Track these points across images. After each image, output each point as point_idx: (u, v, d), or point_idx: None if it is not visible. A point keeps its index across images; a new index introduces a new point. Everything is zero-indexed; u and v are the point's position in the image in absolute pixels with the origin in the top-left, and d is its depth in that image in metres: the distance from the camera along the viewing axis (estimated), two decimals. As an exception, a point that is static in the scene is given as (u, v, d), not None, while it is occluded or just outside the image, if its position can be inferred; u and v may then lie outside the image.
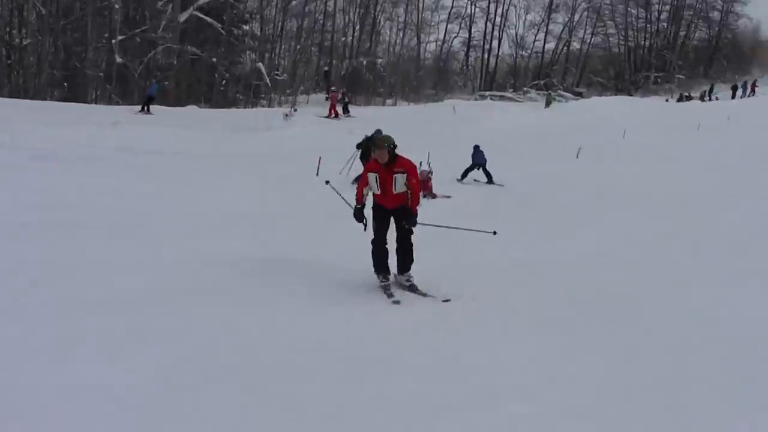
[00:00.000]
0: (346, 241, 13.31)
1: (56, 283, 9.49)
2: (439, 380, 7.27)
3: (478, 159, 29.28)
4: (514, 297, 10.94)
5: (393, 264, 11.26)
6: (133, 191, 18.46)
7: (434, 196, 24.01)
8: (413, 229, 11.03)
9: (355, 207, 11.17)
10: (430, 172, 24.66)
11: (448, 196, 24.28)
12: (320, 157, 25.64)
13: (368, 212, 11.14)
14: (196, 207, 17.41)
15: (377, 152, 10.87)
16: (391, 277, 11.31)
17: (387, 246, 11.17)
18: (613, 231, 18.04)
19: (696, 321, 9.66)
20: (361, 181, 11.48)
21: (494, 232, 12.49)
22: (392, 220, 11.19)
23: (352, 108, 54.11)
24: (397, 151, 10.84)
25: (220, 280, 10.57)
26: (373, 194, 11.15)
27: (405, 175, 10.84)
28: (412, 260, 11.25)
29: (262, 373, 7.10)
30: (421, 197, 11.23)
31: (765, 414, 6.59)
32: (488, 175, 28.56)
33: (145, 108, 43.00)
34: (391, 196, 10.93)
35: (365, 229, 11.03)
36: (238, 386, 6.74)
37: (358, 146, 25.76)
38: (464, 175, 28.86)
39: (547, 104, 65.56)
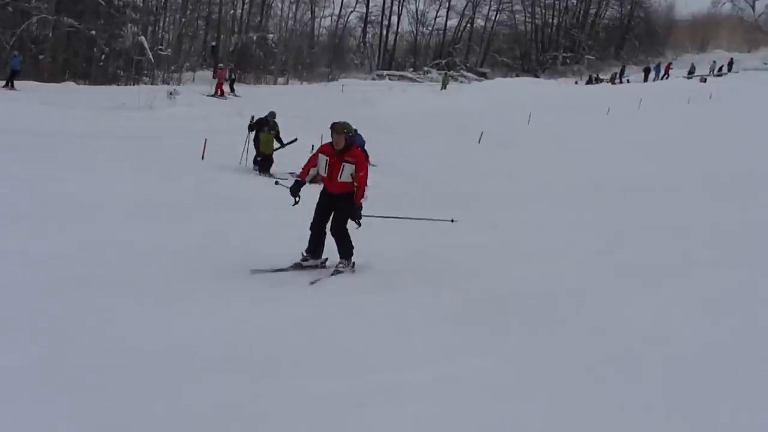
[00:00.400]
0: (236, 228, 14.46)
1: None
2: (336, 376, 7.38)
3: (357, 140, 29.84)
4: (415, 289, 11.13)
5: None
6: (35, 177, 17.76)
7: (326, 181, 24.14)
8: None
9: (295, 180, 11.87)
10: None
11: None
12: (206, 140, 25.44)
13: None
14: (69, 192, 16.72)
15: (335, 137, 11.45)
16: (314, 261, 11.94)
17: (324, 230, 11.83)
18: (518, 221, 18.41)
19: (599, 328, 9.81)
20: (309, 160, 11.97)
21: (452, 220, 13.33)
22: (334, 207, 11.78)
23: (239, 87, 54.06)
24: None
25: (113, 270, 10.55)
26: (320, 176, 11.78)
27: (353, 166, 11.49)
28: (349, 247, 11.85)
29: (144, 371, 7.02)
30: (364, 194, 11.65)
31: (649, 413, 6.88)
32: (366, 156, 29.32)
33: (10, 83, 41.99)
34: (336, 182, 11.54)
35: (294, 204, 11.58)
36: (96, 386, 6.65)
37: (250, 128, 25.89)
38: None
39: (444, 85, 65.82)
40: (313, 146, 26.33)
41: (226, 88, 49.35)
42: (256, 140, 25.77)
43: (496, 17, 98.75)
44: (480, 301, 10.70)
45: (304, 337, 8.59)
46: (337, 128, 11.47)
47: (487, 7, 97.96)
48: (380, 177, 25.64)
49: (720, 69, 78.14)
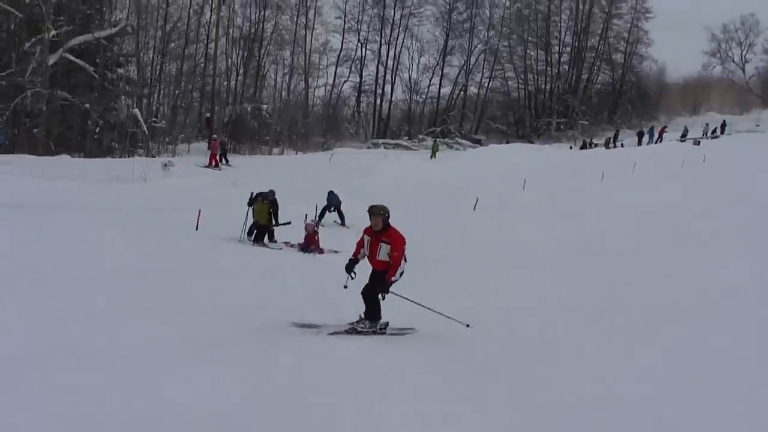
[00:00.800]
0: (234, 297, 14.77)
1: None
2: None
3: (332, 200, 32.39)
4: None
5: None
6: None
7: (321, 251, 24.54)
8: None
9: (350, 259, 13.28)
10: (317, 226, 25.02)
11: (336, 251, 24.47)
12: (200, 210, 25.48)
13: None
14: (56, 263, 16.62)
15: (373, 219, 12.83)
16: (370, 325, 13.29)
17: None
18: (519, 290, 18.48)
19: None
20: (359, 240, 13.38)
21: (467, 325, 13.32)
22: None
23: (234, 157, 54.22)
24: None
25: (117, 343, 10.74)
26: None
27: (389, 246, 12.78)
28: (374, 314, 13.20)
29: None
30: (397, 273, 12.88)
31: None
32: (341, 216, 32.13)
33: None
34: (375, 260, 12.99)
35: (348, 279, 12.92)
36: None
37: (250, 203, 26.24)
38: (320, 216, 31.25)
39: (433, 153, 66.14)
40: (306, 215, 26.50)
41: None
42: (255, 214, 26.04)
43: (489, 84, 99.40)
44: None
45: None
46: (375, 211, 12.83)
47: (480, 75, 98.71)
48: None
49: (714, 131, 78.30)
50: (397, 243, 12.77)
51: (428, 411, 9.05)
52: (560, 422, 8.96)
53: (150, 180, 38.30)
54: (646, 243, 26.03)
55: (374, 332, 13.24)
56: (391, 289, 12.92)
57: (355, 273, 13.00)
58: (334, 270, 20.05)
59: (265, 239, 25.88)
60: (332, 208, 32.31)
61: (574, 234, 28.10)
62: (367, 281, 13.25)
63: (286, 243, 25.92)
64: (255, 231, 25.86)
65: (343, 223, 32.02)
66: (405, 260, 13.02)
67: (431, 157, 64.41)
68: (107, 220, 24.87)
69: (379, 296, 12.99)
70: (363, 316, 13.34)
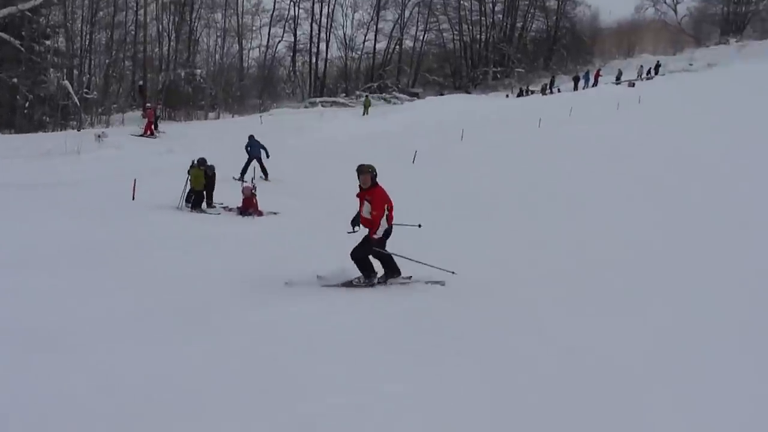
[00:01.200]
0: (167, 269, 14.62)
1: None
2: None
3: (254, 152, 32.38)
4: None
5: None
6: None
7: (260, 214, 24.25)
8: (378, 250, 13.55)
9: (357, 213, 13.74)
10: (254, 188, 24.71)
11: (275, 213, 24.39)
12: (135, 180, 25.23)
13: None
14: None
15: (361, 177, 13.29)
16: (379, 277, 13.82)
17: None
18: (462, 242, 18.63)
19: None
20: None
21: (452, 272, 13.86)
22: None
23: (169, 124, 53.76)
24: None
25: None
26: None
27: (369, 204, 13.19)
28: (360, 268, 13.62)
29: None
30: (379, 231, 13.30)
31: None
32: (264, 170, 32.06)
33: None
34: (363, 217, 13.50)
35: (350, 232, 13.78)
36: None
37: (189, 172, 25.81)
38: (243, 172, 31.44)
39: (365, 109, 65.85)
40: (244, 180, 26.18)
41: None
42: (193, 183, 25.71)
43: (424, 37, 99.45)
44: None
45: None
46: (363, 169, 13.29)
47: (415, 28, 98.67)
48: (296, 201, 26.30)
49: (648, 72, 78.85)
50: (377, 202, 13.09)
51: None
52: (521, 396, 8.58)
53: (84, 152, 37.84)
54: (593, 185, 26.19)
55: (371, 285, 13.59)
56: (377, 247, 13.46)
57: (359, 227, 13.64)
58: (276, 232, 20.62)
59: (203, 205, 25.61)
60: (253, 160, 32.30)
61: (513, 181, 28.10)
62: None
63: (224, 207, 25.69)
64: (193, 197, 25.47)
65: (266, 177, 31.89)
66: (391, 219, 13.42)
67: (363, 114, 64.05)
68: (40, 195, 24.74)
69: (369, 256, 13.54)
70: (359, 279, 13.69)
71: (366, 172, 13.17)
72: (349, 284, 13.58)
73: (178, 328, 10.54)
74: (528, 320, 11.35)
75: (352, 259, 13.51)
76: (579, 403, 8.06)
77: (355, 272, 13.71)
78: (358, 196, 13.45)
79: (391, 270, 13.70)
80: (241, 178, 30.44)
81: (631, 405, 8.07)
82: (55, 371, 8.52)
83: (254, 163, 31.96)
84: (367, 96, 74.83)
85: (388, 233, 13.47)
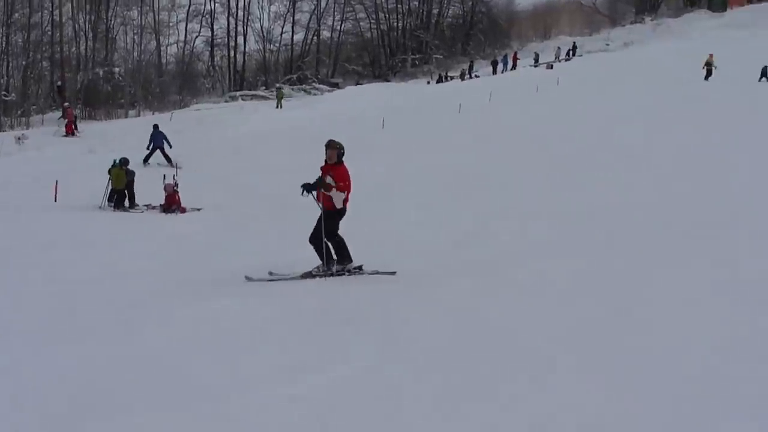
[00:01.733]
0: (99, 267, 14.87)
1: None
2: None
3: (157, 141, 34.47)
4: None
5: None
6: None
7: (183, 210, 24.41)
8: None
9: (310, 183, 13.56)
10: (176, 185, 25.01)
11: (199, 209, 24.54)
12: (57, 181, 25.26)
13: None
14: None
15: (328, 152, 13.50)
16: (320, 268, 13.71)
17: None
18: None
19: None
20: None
21: (394, 272, 13.75)
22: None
23: (90, 123, 53.70)
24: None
25: None
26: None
27: (332, 179, 13.24)
28: (318, 252, 13.64)
29: None
30: (340, 195, 13.37)
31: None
32: (167, 157, 33.92)
33: None
34: (322, 194, 13.42)
35: (301, 194, 13.55)
36: None
37: (110, 171, 25.75)
38: (146, 159, 33.69)
39: (278, 102, 65.21)
40: (165, 175, 26.32)
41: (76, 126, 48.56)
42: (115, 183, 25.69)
43: (341, 27, 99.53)
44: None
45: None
46: (331, 144, 13.52)
47: (332, 18, 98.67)
48: (219, 196, 26.40)
49: (567, 54, 79.69)
50: (341, 176, 13.29)
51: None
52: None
53: (3, 155, 37.81)
54: (514, 165, 26.89)
55: (331, 275, 13.57)
56: (332, 220, 13.55)
57: (308, 192, 13.51)
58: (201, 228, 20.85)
59: (126, 203, 25.58)
60: (156, 149, 34.31)
61: (435, 166, 28.42)
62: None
63: (147, 205, 25.69)
64: (115, 196, 25.50)
65: (169, 163, 33.33)
66: (346, 201, 13.51)
67: (277, 106, 63.60)
68: None
69: (325, 240, 13.51)
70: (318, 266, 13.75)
71: (333, 147, 13.43)
72: (308, 275, 13.54)
73: (97, 327, 10.56)
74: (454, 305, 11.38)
75: (312, 244, 13.60)
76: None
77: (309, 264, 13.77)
78: (321, 169, 13.53)
79: (342, 257, 13.67)
80: (144, 164, 32.57)
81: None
82: None
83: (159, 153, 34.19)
84: (279, 88, 74.49)
85: (342, 212, 13.55)
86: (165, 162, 33.33)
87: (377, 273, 13.69)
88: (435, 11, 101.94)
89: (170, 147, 34.50)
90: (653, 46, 70.65)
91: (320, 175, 13.48)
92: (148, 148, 34.54)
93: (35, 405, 7.59)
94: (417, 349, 9.06)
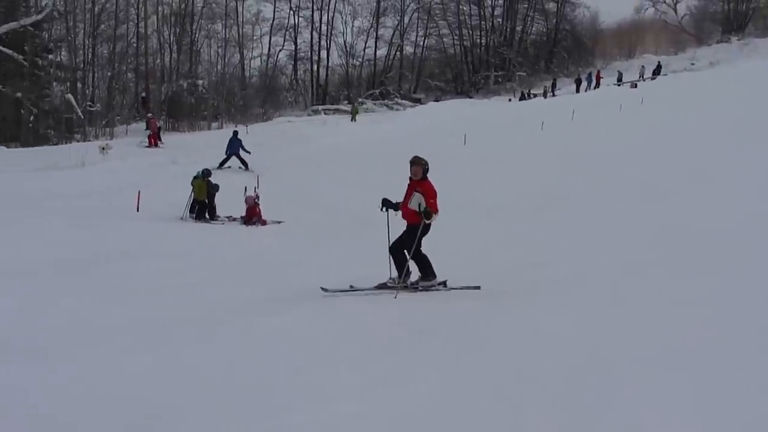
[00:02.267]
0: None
1: None
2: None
3: (234, 147, 35.76)
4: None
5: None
6: None
7: (264, 223, 24.38)
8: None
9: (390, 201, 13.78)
10: (257, 198, 25.08)
11: (280, 222, 24.50)
12: (139, 192, 25.43)
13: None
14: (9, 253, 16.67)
15: (413, 168, 13.43)
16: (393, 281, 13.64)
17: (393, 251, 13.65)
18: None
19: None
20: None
21: (478, 287, 13.54)
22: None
23: (173, 135, 54.06)
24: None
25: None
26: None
27: (422, 197, 13.14)
28: (400, 267, 13.57)
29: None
30: (436, 214, 13.16)
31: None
32: (243, 162, 35.36)
33: None
34: (406, 207, 13.43)
35: (381, 209, 13.71)
36: None
37: (192, 183, 26.01)
38: (221, 164, 34.76)
39: (353, 116, 65.42)
40: (246, 188, 26.33)
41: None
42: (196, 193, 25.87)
43: (424, 43, 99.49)
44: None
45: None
46: (416, 161, 13.45)
47: (415, 34, 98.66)
48: (299, 209, 26.31)
49: (652, 73, 78.71)
50: (430, 192, 13.16)
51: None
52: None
53: (88, 165, 37.83)
54: (595, 189, 26.11)
55: (405, 287, 13.50)
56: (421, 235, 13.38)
57: (386, 209, 13.68)
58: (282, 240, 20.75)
59: (207, 215, 25.79)
60: (232, 155, 35.50)
61: (517, 183, 28.21)
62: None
63: (228, 217, 25.82)
64: (197, 207, 25.70)
65: (245, 167, 35.07)
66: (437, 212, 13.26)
67: (351, 120, 63.78)
68: (44, 207, 24.74)
69: (406, 253, 13.49)
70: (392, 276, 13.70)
71: (419, 163, 13.39)
72: (383, 286, 13.56)
73: (180, 336, 10.51)
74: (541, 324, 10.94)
75: (392, 254, 13.59)
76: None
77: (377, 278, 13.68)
78: (408, 185, 13.49)
79: (426, 273, 13.62)
80: (219, 168, 33.55)
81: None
82: (54, 380, 8.44)
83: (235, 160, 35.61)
84: (353, 104, 74.81)
85: (426, 229, 13.45)
86: (242, 167, 34.92)
87: (461, 288, 13.49)
88: (518, 28, 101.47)
89: (248, 153, 35.92)
90: (740, 66, 69.33)
91: (407, 191, 13.47)
92: (225, 153, 35.73)
93: (110, 412, 7.50)
94: (494, 367, 8.78)
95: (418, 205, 13.15)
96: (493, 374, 8.52)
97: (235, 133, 36.93)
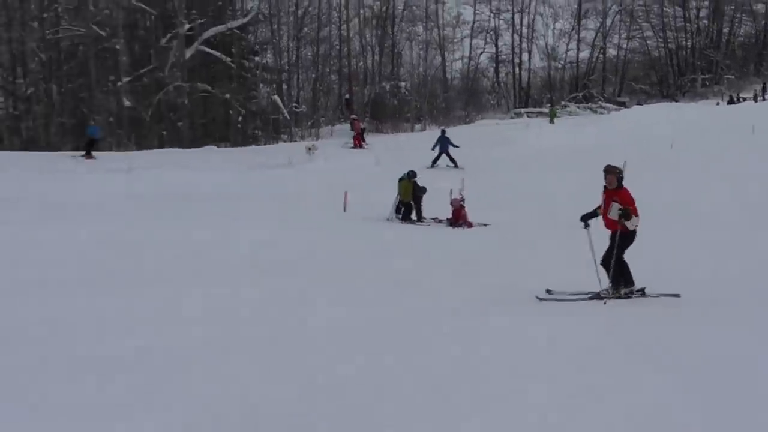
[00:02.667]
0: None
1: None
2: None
3: (443, 146, 37.30)
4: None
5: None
6: (162, 238, 18.71)
7: (470, 225, 24.33)
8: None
9: (589, 212, 13.87)
10: (462, 200, 25.03)
11: (486, 224, 24.39)
12: (346, 192, 25.90)
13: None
14: (232, 252, 17.65)
15: (607, 177, 13.40)
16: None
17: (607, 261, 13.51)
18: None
19: None
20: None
21: (678, 295, 13.45)
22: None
23: (376, 136, 54.66)
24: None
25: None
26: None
27: (619, 205, 13.08)
28: (616, 279, 13.47)
29: None
30: (635, 219, 13.09)
31: None
32: (452, 160, 36.69)
33: (88, 152, 39.97)
34: (606, 218, 13.42)
35: (584, 227, 13.72)
36: None
37: (398, 184, 26.32)
38: (434, 162, 36.59)
39: (551, 119, 64.94)
40: (451, 190, 26.27)
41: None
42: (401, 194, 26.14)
43: (627, 45, 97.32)
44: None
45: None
46: (609, 169, 13.43)
47: (618, 36, 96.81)
48: (504, 213, 26.06)
49: None
50: (627, 200, 13.09)
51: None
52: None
53: (295, 164, 38.88)
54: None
55: (619, 297, 13.41)
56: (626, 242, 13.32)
57: (588, 224, 13.73)
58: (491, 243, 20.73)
59: (413, 216, 25.91)
60: (441, 153, 36.97)
61: (727, 188, 27.75)
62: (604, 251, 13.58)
63: (434, 219, 25.82)
64: (402, 208, 25.93)
65: (455, 165, 36.27)
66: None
67: (550, 122, 63.56)
68: (256, 207, 26.02)
69: (613, 261, 13.31)
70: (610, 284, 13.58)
71: (612, 172, 13.32)
72: (596, 297, 13.47)
73: (411, 333, 10.67)
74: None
75: (604, 266, 13.50)
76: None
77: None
78: (603, 195, 13.45)
79: (626, 281, 13.48)
80: (432, 166, 35.68)
81: None
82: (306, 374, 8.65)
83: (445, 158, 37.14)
84: (552, 107, 74.25)
85: (634, 236, 13.35)
86: (451, 164, 36.13)
87: (661, 295, 13.46)
88: (725, 30, 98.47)
89: (456, 147, 37.36)
90: None
91: (602, 200, 13.53)
92: (433, 149, 37.12)
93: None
94: (703, 383, 8.41)
95: (617, 215, 13.13)
96: (717, 394, 8.09)
97: (443, 131, 38.33)
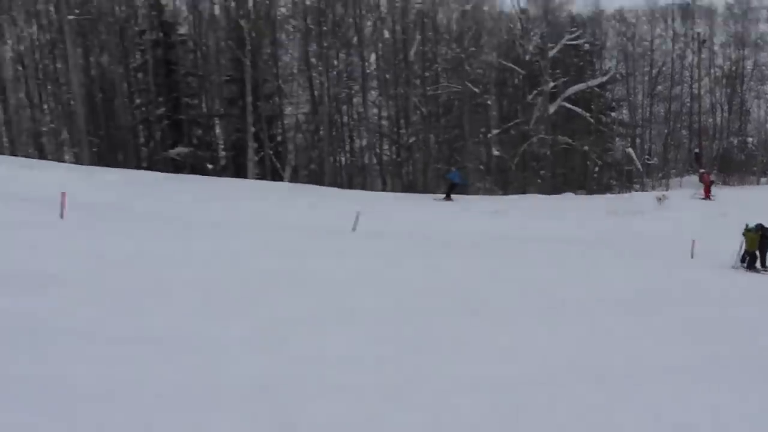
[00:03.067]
0: None
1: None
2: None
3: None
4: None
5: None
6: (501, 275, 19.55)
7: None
8: None
9: None
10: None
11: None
12: (694, 240, 27.63)
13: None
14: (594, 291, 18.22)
15: None
16: None
17: None
18: None
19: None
20: None
21: None
22: None
23: (723, 189, 55.34)
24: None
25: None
26: None
27: None
28: None
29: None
30: None
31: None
32: None
33: (447, 195, 44.67)
34: None
35: None
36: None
37: (744, 234, 27.33)
38: None
39: None
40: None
41: (712, 191, 50.94)
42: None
43: None
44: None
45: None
46: None
47: None
48: None
49: None
50: None
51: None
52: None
53: (646, 212, 41.03)
54: None
55: None
56: None
57: None
58: None
59: (757, 264, 26.85)
60: None
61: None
62: None
63: (776, 269, 27.24)
64: (747, 258, 27.13)
65: None
66: None
67: None
68: (617, 253, 27.91)
69: None
70: None
71: None
72: None
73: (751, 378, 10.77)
74: None
75: None
76: None
77: None
78: None
79: None
80: None
81: None
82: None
83: None
84: None
85: None
86: None
87: None
88: None
89: None
90: None
91: None
92: None
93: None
94: None
95: None
96: None
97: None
